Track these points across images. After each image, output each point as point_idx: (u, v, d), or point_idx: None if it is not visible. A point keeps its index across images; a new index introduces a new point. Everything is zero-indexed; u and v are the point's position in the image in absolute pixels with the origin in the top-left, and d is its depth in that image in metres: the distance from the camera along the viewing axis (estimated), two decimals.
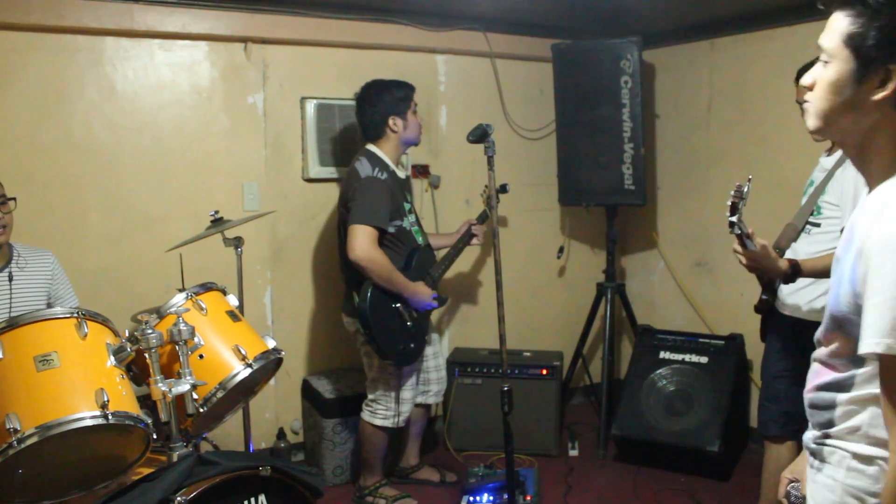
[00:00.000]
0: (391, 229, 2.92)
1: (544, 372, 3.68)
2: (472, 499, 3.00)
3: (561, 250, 4.23)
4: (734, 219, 2.05)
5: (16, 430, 1.78)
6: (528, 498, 3.03)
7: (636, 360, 3.75)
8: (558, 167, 3.97)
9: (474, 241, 3.32)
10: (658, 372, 3.61)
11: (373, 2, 3.46)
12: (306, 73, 3.52)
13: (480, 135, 2.49)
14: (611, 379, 3.86)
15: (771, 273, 2.27)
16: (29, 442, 1.78)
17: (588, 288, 4.16)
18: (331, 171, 3.55)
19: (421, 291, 2.97)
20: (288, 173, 3.52)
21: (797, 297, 2.54)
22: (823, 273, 2.33)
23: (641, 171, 3.71)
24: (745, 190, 2.05)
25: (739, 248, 2.17)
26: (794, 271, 2.24)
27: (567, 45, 3.83)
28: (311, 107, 3.49)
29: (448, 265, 3.23)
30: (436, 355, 3.32)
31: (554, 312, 4.34)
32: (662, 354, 3.65)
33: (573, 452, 3.73)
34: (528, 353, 3.82)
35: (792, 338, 2.56)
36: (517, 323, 3.81)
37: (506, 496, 2.63)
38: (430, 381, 3.29)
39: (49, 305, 2.59)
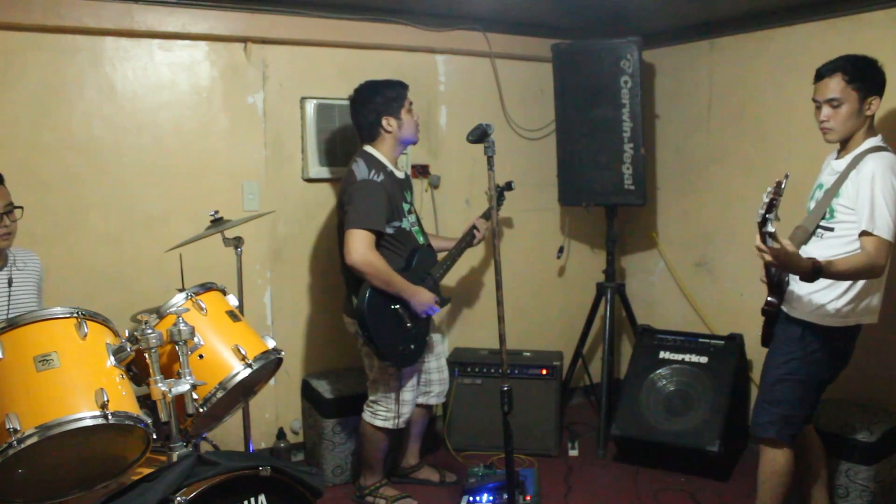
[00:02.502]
0: (389, 230, 2.92)
1: (544, 372, 3.68)
2: (472, 499, 3.00)
3: (561, 250, 4.23)
4: (771, 216, 2.02)
5: (16, 430, 1.78)
6: (528, 498, 3.03)
7: (636, 360, 3.75)
8: (558, 167, 3.97)
9: (476, 234, 3.31)
10: (658, 372, 3.61)
11: (373, 2, 3.46)
12: (306, 73, 3.52)
13: (480, 135, 2.48)
14: (611, 379, 3.86)
15: (796, 271, 2.23)
16: (29, 442, 1.78)
17: (588, 288, 4.16)
18: (331, 171, 3.55)
19: (422, 295, 2.95)
20: (288, 173, 3.52)
21: (809, 301, 2.49)
22: (844, 276, 2.32)
23: (641, 171, 3.71)
24: (783, 186, 2.03)
25: (766, 246, 2.13)
26: (816, 272, 2.21)
27: (567, 45, 3.83)
28: (310, 107, 3.49)
29: (450, 266, 3.22)
30: (438, 356, 3.31)
31: (554, 312, 4.34)
32: (662, 354, 3.65)
33: (573, 452, 3.73)
34: (528, 353, 3.82)
35: (800, 342, 2.52)
36: (517, 323, 3.81)
37: (506, 496, 2.63)
38: (431, 382, 3.28)
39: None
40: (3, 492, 1.90)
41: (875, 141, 2.47)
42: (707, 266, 4.00)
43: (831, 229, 2.46)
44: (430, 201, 3.88)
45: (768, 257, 2.17)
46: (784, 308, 2.57)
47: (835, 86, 2.43)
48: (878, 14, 3.11)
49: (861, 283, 2.43)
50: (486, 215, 3.35)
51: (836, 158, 2.56)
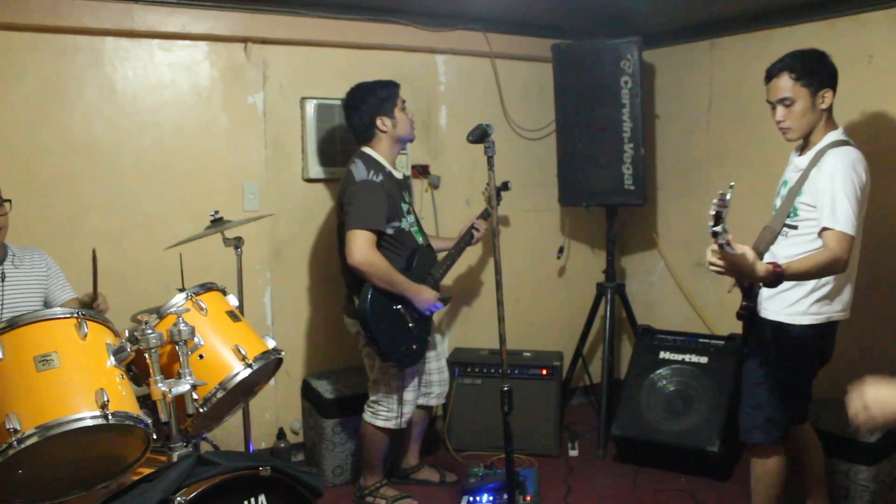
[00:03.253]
0: (389, 231, 2.92)
1: (544, 372, 3.68)
2: (472, 499, 3.00)
3: (561, 250, 4.23)
4: (718, 228, 2.03)
5: (16, 431, 1.78)
6: (528, 498, 3.03)
7: (636, 360, 3.75)
8: (558, 167, 3.97)
9: (475, 234, 3.31)
10: (658, 372, 3.61)
11: (373, 2, 3.46)
12: (306, 73, 3.52)
13: (480, 135, 2.48)
14: (611, 379, 3.86)
15: (751, 278, 2.22)
16: (29, 442, 1.78)
17: (588, 288, 4.16)
18: (331, 172, 3.55)
19: (425, 294, 2.96)
20: (288, 173, 3.52)
21: (778, 300, 2.50)
22: (807, 275, 2.30)
23: (641, 171, 3.71)
24: (728, 198, 2.03)
25: (716, 256, 2.14)
26: (777, 277, 2.20)
27: (567, 45, 3.83)
28: (311, 107, 3.50)
29: (450, 265, 3.22)
30: (438, 357, 3.31)
31: (554, 312, 4.34)
32: (662, 354, 3.65)
33: (573, 452, 3.73)
34: (528, 353, 3.82)
35: (773, 342, 2.53)
36: (517, 323, 3.81)
37: (506, 496, 2.63)
38: (431, 383, 3.28)
39: (47, 304, 2.59)
40: (3, 492, 1.90)
41: (836, 135, 2.46)
42: (707, 266, 3.99)
43: (795, 227, 2.46)
44: (430, 201, 3.88)
45: (721, 271, 2.16)
46: (758, 310, 2.56)
47: (784, 85, 2.42)
48: (878, 14, 3.11)
49: (829, 279, 2.42)
50: (484, 215, 3.36)
51: (799, 155, 2.55)
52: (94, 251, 2.41)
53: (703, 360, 3.54)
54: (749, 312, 2.51)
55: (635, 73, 3.61)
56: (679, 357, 3.60)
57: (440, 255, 3.26)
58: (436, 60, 3.86)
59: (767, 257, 2.51)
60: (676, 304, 4.19)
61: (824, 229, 2.32)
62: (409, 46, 3.72)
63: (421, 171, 3.83)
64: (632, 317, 4.15)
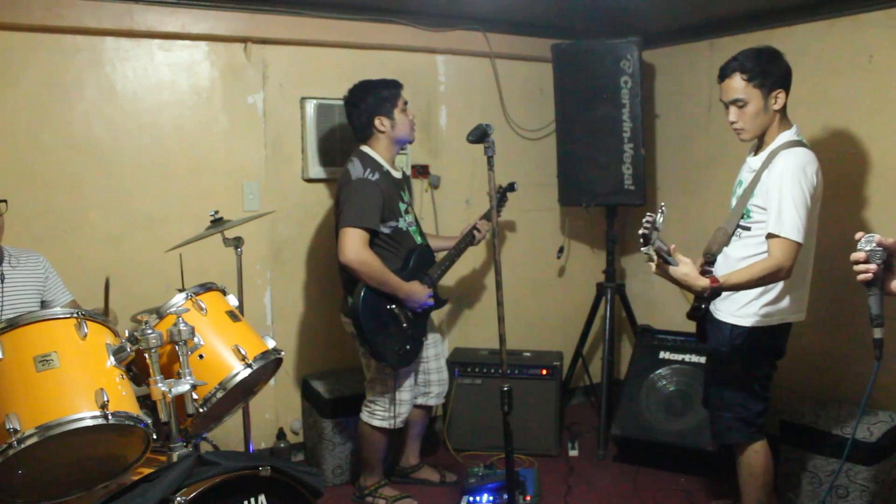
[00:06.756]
0: (385, 230, 2.92)
1: (544, 372, 3.68)
2: (472, 499, 3.00)
3: (561, 250, 4.23)
4: (646, 249, 2.13)
5: (16, 431, 1.78)
6: (528, 498, 3.03)
7: (636, 360, 3.75)
8: (558, 167, 3.97)
9: (477, 234, 3.30)
10: (658, 372, 3.61)
11: (373, 2, 3.46)
12: (306, 73, 3.52)
13: (480, 135, 2.48)
14: (611, 379, 3.86)
15: (691, 291, 2.27)
16: (29, 442, 1.78)
17: (588, 288, 4.16)
18: (331, 172, 3.55)
19: (416, 291, 2.95)
20: (288, 173, 3.52)
21: (730, 302, 2.53)
22: (749, 285, 2.31)
23: (641, 171, 3.71)
24: (659, 219, 2.12)
25: (660, 270, 2.23)
26: (714, 291, 2.24)
27: (567, 45, 3.83)
28: (310, 107, 3.50)
29: (448, 266, 3.22)
30: (437, 357, 3.30)
31: (554, 312, 4.34)
32: (662, 354, 3.65)
33: (573, 452, 3.73)
34: (528, 353, 3.82)
35: (727, 343, 2.54)
36: (517, 323, 3.81)
37: (506, 496, 2.63)
38: (430, 383, 3.28)
39: (45, 307, 2.58)
40: (3, 492, 1.90)
41: (789, 135, 2.44)
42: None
43: (748, 228, 2.46)
44: (430, 201, 3.88)
45: (667, 277, 2.26)
46: (712, 310, 2.58)
47: (736, 86, 2.41)
48: (878, 14, 3.11)
49: (779, 283, 2.42)
50: (488, 216, 3.35)
51: (753, 156, 2.54)
52: (107, 280, 2.48)
53: (703, 360, 3.53)
54: (700, 314, 2.51)
55: (635, 73, 3.61)
56: (679, 357, 3.60)
57: (440, 255, 3.25)
58: (436, 60, 3.86)
59: (720, 258, 2.53)
60: (676, 304, 4.17)
61: (770, 235, 2.33)
62: (409, 46, 3.72)
63: (421, 171, 3.83)
64: (632, 317, 4.15)
